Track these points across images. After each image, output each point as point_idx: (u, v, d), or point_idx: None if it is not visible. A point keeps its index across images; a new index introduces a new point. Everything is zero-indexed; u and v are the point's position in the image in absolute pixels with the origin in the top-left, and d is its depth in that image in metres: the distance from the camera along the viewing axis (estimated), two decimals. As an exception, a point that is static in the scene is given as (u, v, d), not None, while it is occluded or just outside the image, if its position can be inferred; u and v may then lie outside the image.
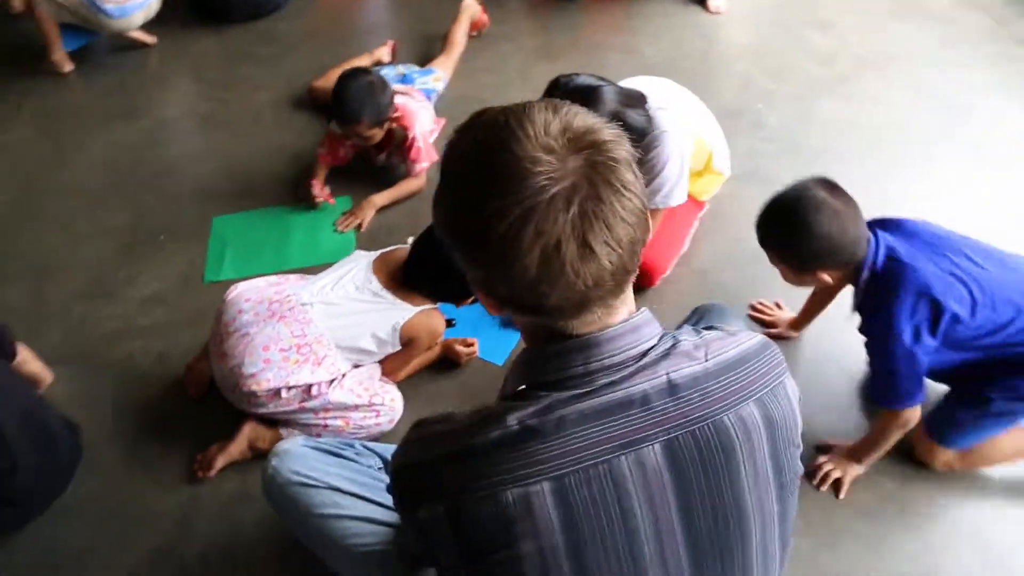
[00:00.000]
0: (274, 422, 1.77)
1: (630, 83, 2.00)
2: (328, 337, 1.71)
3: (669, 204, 1.94)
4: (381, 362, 1.86)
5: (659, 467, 0.83)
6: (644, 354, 0.85)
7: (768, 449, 0.88)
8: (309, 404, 1.71)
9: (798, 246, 1.49)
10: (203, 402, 1.88)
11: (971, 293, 1.44)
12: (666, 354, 0.86)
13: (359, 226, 2.39)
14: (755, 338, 0.96)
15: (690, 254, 2.22)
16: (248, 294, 1.78)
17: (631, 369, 0.84)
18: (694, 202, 2.19)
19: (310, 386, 1.69)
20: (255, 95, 3.01)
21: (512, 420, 0.82)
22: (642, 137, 1.85)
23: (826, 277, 1.51)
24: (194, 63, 3.24)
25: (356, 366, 1.80)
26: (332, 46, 3.21)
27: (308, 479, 1.34)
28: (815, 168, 2.40)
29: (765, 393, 0.89)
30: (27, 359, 1.86)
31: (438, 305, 1.85)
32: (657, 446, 0.83)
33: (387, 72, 2.81)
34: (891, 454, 1.66)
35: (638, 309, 0.88)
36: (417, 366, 1.92)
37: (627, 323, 0.85)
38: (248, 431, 1.75)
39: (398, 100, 2.44)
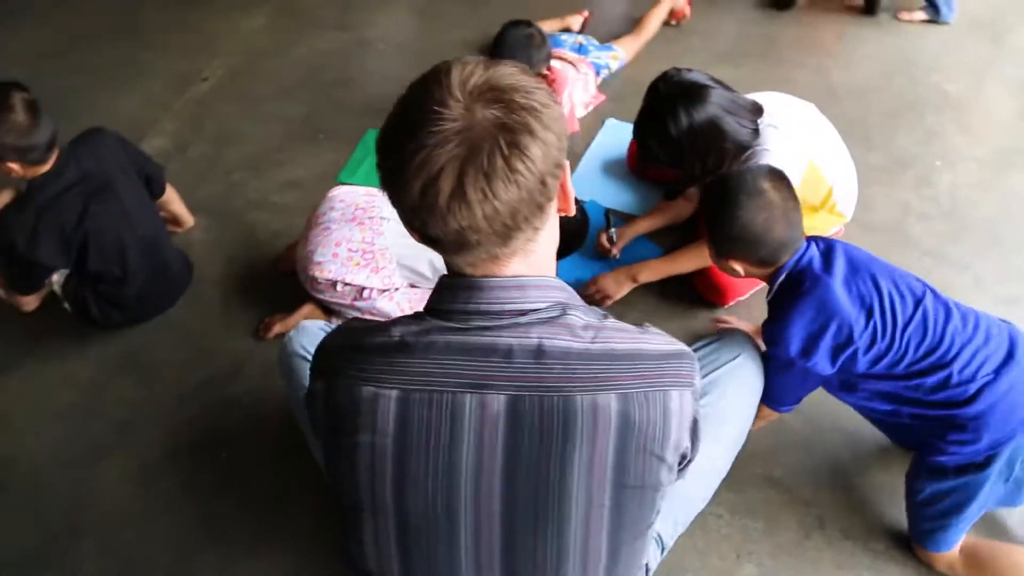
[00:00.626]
0: (329, 312, 1.99)
1: (763, 96, 1.93)
2: (392, 252, 1.89)
3: (757, 227, 1.87)
4: (438, 291, 2.01)
5: (498, 416, 0.89)
6: (524, 313, 0.90)
7: (615, 444, 0.90)
8: (359, 304, 1.90)
9: (719, 225, 1.45)
10: (288, 279, 2.14)
11: (879, 322, 1.36)
12: (547, 321, 0.91)
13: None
14: (669, 345, 0.96)
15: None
16: (344, 196, 2.00)
17: (506, 322, 0.90)
18: (801, 236, 2.08)
19: (363, 289, 1.88)
20: (449, 32, 3.24)
21: (396, 332, 0.93)
22: (742, 149, 1.80)
23: (738, 267, 1.48)
24: (413, -7, 3.55)
25: (413, 286, 1.97)
26: (536, 1, 3.34)
27: (308, 355, 1.52)
28: (967, 240, 2.22)
29: (635, 392, 0.90)
30: (172, 199, 2.23)
31: None
32: (503, 397, 0.89)
33: (566, 39, 2.89)
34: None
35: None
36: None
37: (515, 279, 0.91)
38: (306, 310, 1.99)
39: (556, 65, 2.54)
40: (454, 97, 0.83)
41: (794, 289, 1.41)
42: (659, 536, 1.35)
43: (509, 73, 0.87)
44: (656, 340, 0.96)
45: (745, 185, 1.43)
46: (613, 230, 2.20)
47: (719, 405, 1.44)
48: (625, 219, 2.27)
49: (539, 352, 0.89)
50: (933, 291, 1.43)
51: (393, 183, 0.86)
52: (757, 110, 1.84)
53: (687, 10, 3.17)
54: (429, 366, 0.90)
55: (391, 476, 0.93)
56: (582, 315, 0.94)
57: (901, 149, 2.55)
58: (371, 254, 1.88)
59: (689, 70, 1.81)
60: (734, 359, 1.50)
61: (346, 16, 3.39)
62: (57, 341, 2.06)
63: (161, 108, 2.88)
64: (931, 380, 1.36)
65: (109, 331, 2.07)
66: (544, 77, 2.48)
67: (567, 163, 0.93)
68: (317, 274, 1.88)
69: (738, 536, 1.62)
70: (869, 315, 1.36)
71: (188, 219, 2.33)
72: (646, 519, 0.98)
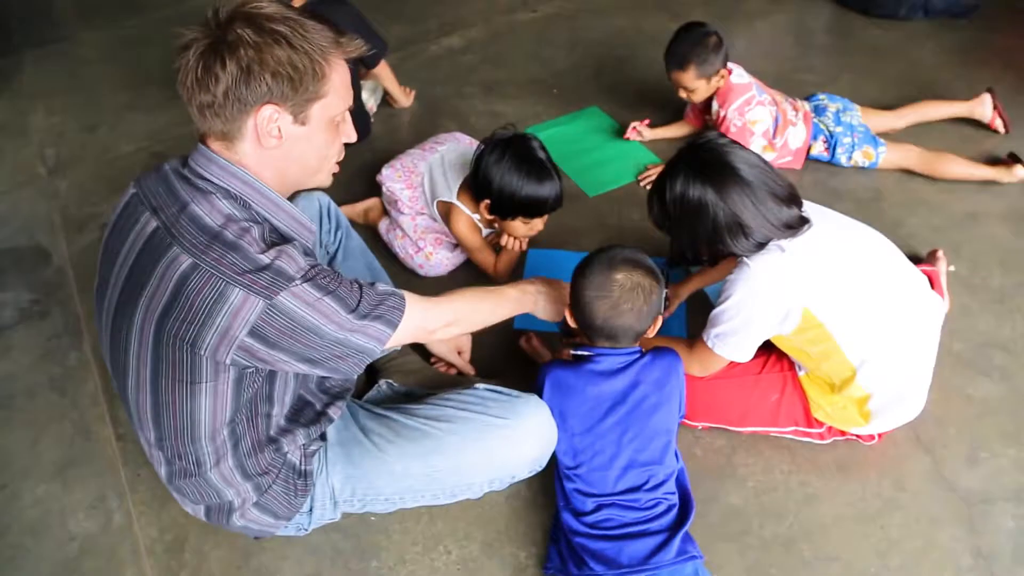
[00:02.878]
0: (386, 211, 2.28)
1: (838, 219, 1.58)
2: (424, 176, 2.13)
3: (715, 348, 1.57)
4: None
5: (145, 235, 1.19)
6: (202, 178, 1.18)
7: (168, 297, 1.14)
8: (392, 212, 2.19)
9: (574, 273, 1.53)
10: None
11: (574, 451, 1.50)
12: (205, 192, 1.17)
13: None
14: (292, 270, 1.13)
15: (756, 446, 1.74)
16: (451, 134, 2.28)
17: (193, 178, 1.19)
18: (804, 409, 1.66)
19: (397, 200, 2.15)
20: (767, 61, 2.98)
21: (168, 163, 1.26)
22: (728, 253, 1.52)
23: (568, 317, 1.55)
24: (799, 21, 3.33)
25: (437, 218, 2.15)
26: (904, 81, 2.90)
27: None
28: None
29: (205, 269, 1.11)
30: (384, 77, 2.68)
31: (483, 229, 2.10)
32: (155, 224, 1.18)
33: (834, 106, 2.49)
34: None
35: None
36: (473, 256, 2.14)
37: (208, 152, 1.19)
38: (370, 202, 2.32)
39: (739, 79, 2.36)
40: (218, 13, 1.12)
41: (572, 364, 1.52)
42: (333, 488, 1.46)
43: (259, 14, 1.12)
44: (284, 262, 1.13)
45: (604, 262, 1.48)
46: (666, 291, 2.05)
47: (445, 438, 1.44)
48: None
49: (183, 207, 1.16)
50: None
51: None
52: (789, 226, 1.48)
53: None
54: (152, 185, 1.24)
55: (102, 243, 1.30)
56: (233, 208, 1.17)
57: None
58: (411, 171, 2.13)
59: (738, 145, 1.52)
60: (501, 420, 1.45)
61: (709, 7, 3.32)
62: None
63: (483, 19, 3.34)
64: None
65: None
66: (718, 92, 2.36)
67: (274, 108, 1.14)
68: (379, 176, 2.20)
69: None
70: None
71: (402, 100, 2.79)
72: (184, 379, 1.18)
